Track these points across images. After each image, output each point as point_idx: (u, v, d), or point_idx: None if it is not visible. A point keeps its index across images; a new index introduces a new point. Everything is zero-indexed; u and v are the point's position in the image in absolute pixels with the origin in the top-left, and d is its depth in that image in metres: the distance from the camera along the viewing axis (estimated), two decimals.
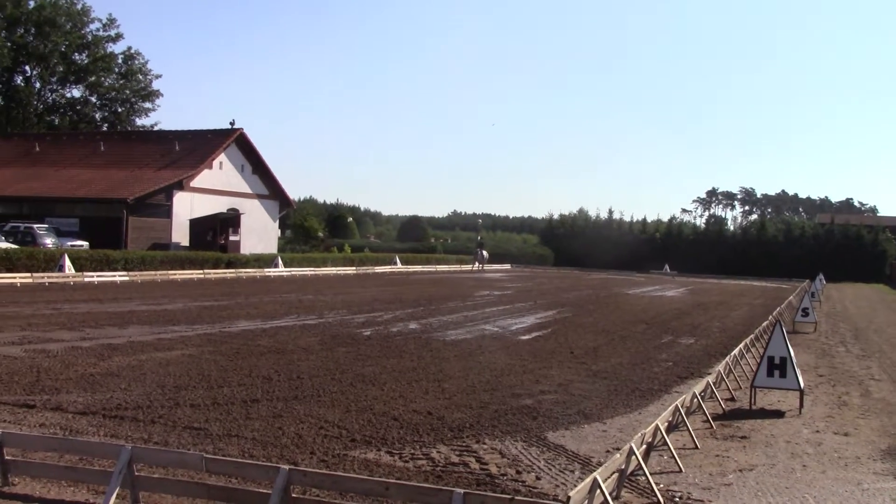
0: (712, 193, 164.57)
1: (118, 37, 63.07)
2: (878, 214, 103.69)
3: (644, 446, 6.87)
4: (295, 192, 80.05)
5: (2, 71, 59.94)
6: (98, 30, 62.79)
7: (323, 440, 7.72)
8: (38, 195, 41.32)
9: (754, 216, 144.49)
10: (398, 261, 50.81)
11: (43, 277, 26.71)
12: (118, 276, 29.10)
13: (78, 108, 64.64)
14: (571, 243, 70.99)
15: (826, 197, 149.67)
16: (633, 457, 6.28)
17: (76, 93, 64.74)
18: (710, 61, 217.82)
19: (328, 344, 14.33)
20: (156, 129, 61.46)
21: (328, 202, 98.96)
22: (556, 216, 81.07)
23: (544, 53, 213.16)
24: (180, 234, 41.25)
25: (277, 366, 11.71)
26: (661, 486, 6.70)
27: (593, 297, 30.93)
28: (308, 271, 40.07)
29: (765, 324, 18.56)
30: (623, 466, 6.21)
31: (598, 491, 5.19)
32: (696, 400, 9.37)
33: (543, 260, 69.90)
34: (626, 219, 79.67)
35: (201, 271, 33.26)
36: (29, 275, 26.53)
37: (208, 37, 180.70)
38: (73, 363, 11.29)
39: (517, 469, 7.05)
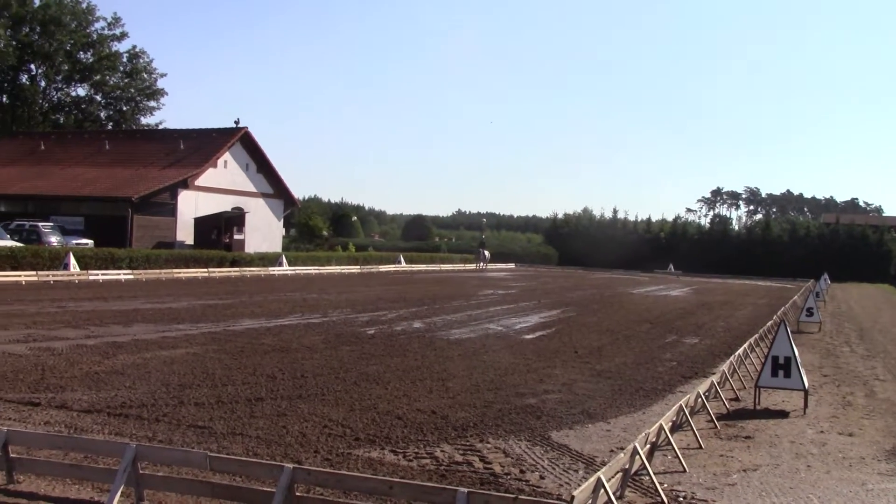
0: (717, 193, 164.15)
1: (123, 36, 63.32)
2: (884, 214, 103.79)
3: (648, 446, 6.86)
4: (299, 192, 79.97)
5: (7, 70, 60.13)
6: (103, 28, 63.02)
7: (327, 439, 7.73)
8: (43, 194, 41.46)
9: (759, 216, 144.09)
10: (402, 260, 50.79)
11: (48, 276, 26.78)
12: (123, 275, 29.15)
13: (83, 106, 64.80)
14: (575, 243, 70.91)
15: (831, 196, 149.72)
16: (637, 456, 6.27)
17: (81, 91, 65.05)
18: (715, 60, 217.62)
19: (332, 343, 14.34)
20: (160, 127, 61.67)
21: (332, 201, 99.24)
22: (560, 216, 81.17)
23: (547, 52, 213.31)
24: (185, 233, 41.34)
25: (281, 364, 11.72)
26: (665, 485, 6.69)
27: (597, 297, 30.91)
28: (312, 270, 40.11)
29: (769, 323, 18.53)
30: (627, 466, 6.20)
31: (602, 490, 5.18)
32: (700, 400, 9.36)
33: (547, 259, 69.85)
34: (631, 218, 79.64)
35: (206, 270, 33.29)
36: (34, 273, 26.59)
37: (213, 36, 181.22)
38: (77, 361, 11.31)
39: (521, 468, 7.05)
